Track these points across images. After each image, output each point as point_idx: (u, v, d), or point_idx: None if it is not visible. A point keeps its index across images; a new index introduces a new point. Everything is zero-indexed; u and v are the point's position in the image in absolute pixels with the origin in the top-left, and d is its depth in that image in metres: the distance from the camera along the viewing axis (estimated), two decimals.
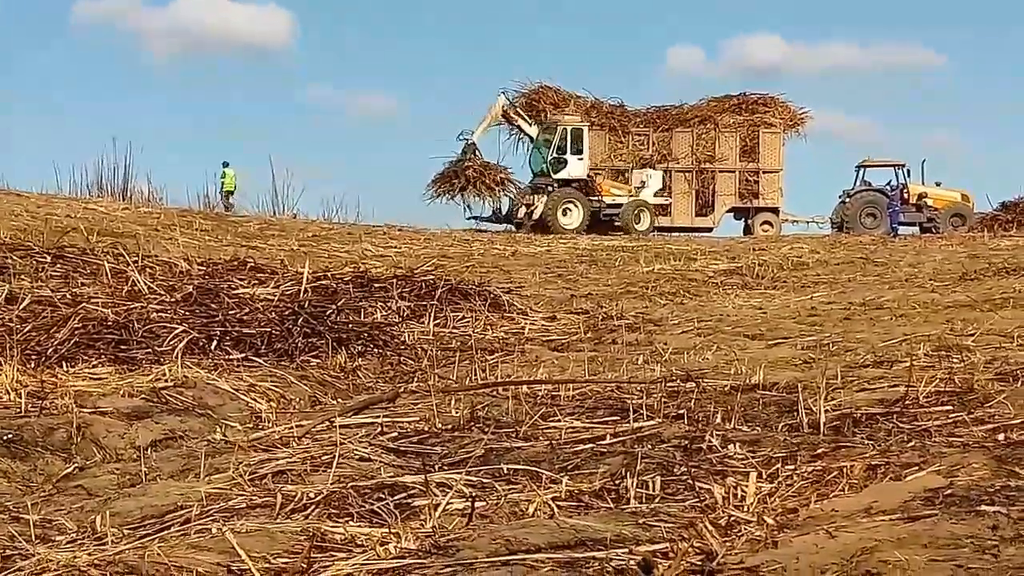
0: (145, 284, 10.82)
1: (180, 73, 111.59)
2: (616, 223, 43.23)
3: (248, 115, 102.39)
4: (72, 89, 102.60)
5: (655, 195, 45.14)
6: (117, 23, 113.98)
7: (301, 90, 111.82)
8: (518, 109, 46.26)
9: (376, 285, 12.92)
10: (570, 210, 43.42)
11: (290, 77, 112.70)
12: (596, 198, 44.14)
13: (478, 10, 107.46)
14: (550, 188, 44.19)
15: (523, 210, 44.18)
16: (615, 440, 5.74)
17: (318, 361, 9.19)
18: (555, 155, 44.31)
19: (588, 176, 44.75)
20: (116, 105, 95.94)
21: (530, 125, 45.58)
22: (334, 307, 10.84)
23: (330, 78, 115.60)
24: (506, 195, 44.98)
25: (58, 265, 12.37)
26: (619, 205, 43.91)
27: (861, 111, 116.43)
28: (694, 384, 7.36)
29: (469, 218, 44.67)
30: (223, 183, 45.33)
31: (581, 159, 44.48)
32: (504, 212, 45.06)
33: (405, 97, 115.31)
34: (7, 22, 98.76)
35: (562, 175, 44.20)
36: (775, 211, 47.50)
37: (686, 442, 5.53)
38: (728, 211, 48.54)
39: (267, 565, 3.91)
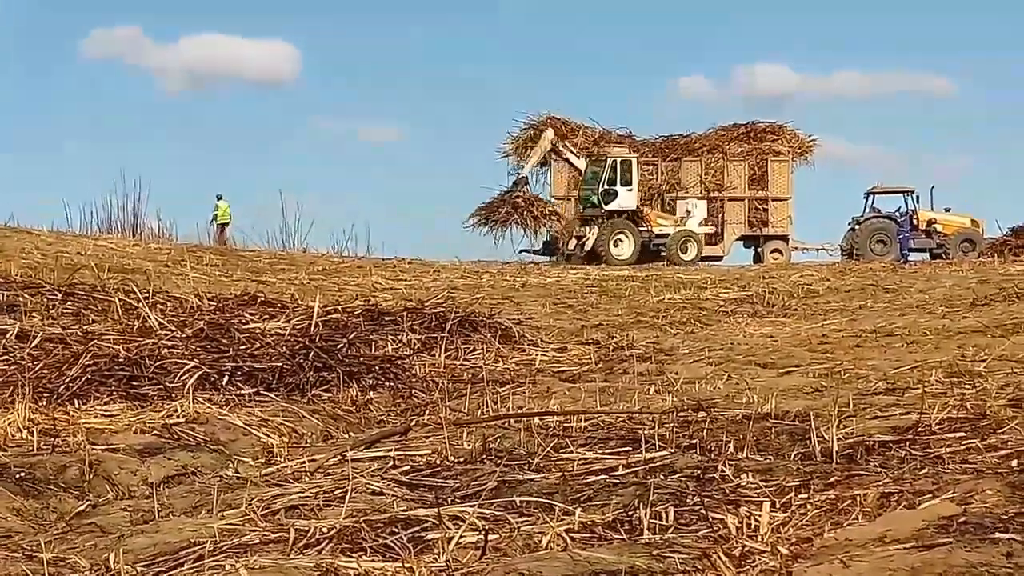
0: (156, 320, 10.83)
1: (188, 108, 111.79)
2: (663, 253, 43.60)
3: (257, 148, 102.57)
4: (81, 125, 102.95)
5: (700, 224, 45.34)
6: (126, 58, 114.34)
7: (308, 122, 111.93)
8: (566, 143, 46.52)
9: (386, 318, 12.93)
10: (621, 241, 44.02)
11: (297, 110, 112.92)
12: (645, 228, 44.53)
13: (482, 39, 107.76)
14: (600, 220, 44.52)
15: (573, 242, 44.73)
16: (627, 471, 5.73)
17: (329, 395, 9.18)
18: (605, 187, 44.61)
19: (638, 207, 45.03)
20: (125, 140, 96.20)
21: (578, 158, 45.96)
22: (345, 340, 10.83)
23: (337, 111, 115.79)
24: (549, 228, 45.39)
25: (69, 302, 12.39)
26: (667, 235, 44.23)
27: (869, 138, 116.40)
28: (706, 414, 7.35)
29: (521, 251, 45.15)
30: (215, 215, 45.64)
31: (630, 190, 44.85)
32: (555, 245, 45.51)
33: (414, 129, 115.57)
34: (16, 58, 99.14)
35: (613, 206, 44.61)
36: (785, 239, 47.54)
37: (699, 472, 5.52)
38: (738, 239, 48.61)
39: None
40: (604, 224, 44.39)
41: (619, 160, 45.12)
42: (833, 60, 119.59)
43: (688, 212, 45.49)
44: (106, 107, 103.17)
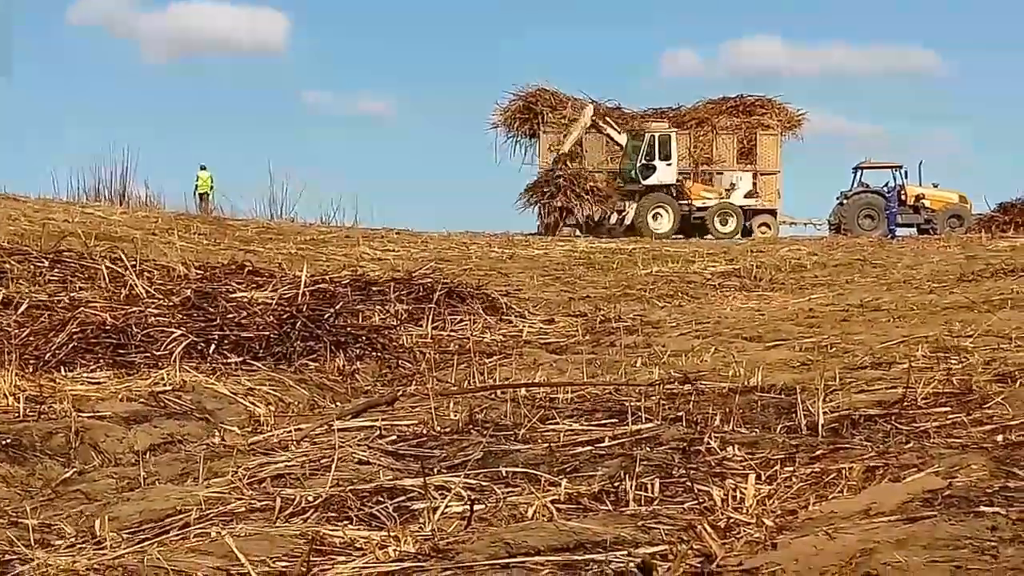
0: (143, 288, 10.83)
1: (176, 76, 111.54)
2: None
3: (245, 118, 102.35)
4: (68, 92, 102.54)
5: (745, 196, 45.48)
6: (112, 26, 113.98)
7: (298, 93, 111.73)
8: (607, 118, 46.60)
9: (374, 288, 12.92)
10: (660, 215, 44.41)
11: (287, 80, 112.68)
12: (686, 202, 44.85)
13: (473, 12, 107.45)
14: (639, 194, 44.80)
15: (615, 216, 45.08)
16: (614, 442, 5.74)
17: (316, 365, 9.18)
18: (644, 161, 44.91)
19: (678, 180, 45.37)
20: (112, 108, 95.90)
21: (619, 133, 46.06)
22: (332, 311, 10.83)
23: (327, 81, 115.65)
24: (596, 202, 45.58)
25: (56, 270, 12.37)
26: (707, 208, 44.56)
27: (858, 113, 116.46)
28: (692, 386, 7.36)
29: (568, 226, 45.16)
30: (197, 185, 45.59)
31: (670, 164, 45.10)
32: (596, 219, 45.52)
33: (403, 99, 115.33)
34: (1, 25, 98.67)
35: (651, 180, 44.93)
36: (773, 213, 47.51)
37: (685, 444, 5.53)
38: None
39: (266, 569, 3.91)
40: (642, 198, 44.68)
41: (657, 135, 45.34)
42: (823, 34, 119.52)
43: (733, 185, 45.79)
44: (93, 75, 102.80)
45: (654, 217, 44.22)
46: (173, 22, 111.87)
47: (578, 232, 44.83)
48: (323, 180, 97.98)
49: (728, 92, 50.64)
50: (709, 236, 42.04)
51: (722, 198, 45.21)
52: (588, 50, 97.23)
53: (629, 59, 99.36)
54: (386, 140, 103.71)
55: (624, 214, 44.94)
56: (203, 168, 46.45)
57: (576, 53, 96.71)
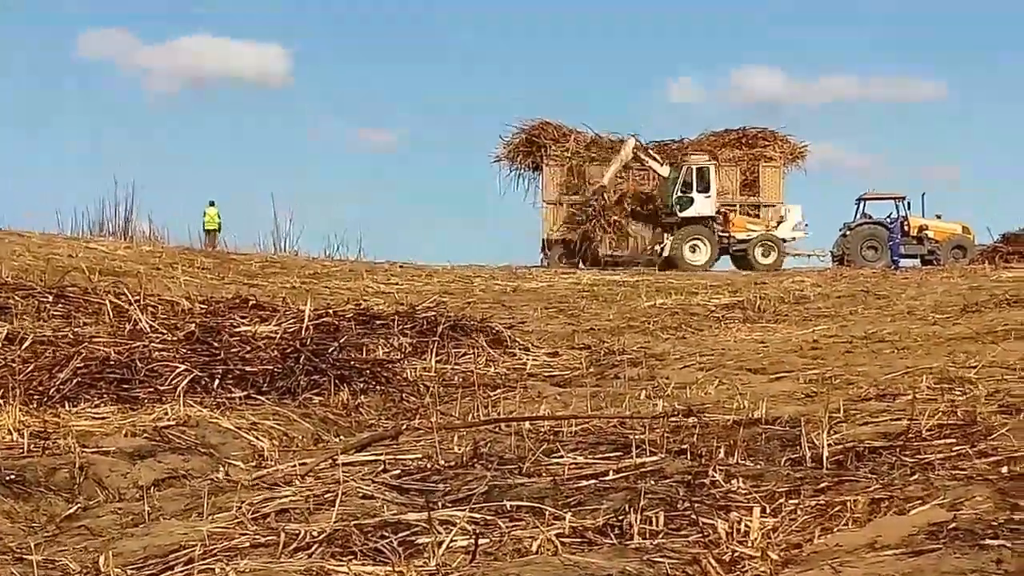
0: (147, 323, 10.83)
1: (181, 111, 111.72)
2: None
3: (249, 152, 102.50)
4: (73, 127, 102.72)
5: (794, 229, 45.50)
6: (118, 61, 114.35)
7: (302, 126, 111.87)
8: (648, 150, 46.77)
9: (378, 322, 12.93)
10: (698, 247, 44.64)
11: (291, 113, 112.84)
12: (726, 234, 44.95)
13: (476, 45, 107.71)
14: (675, 226, 45.16)
15: (658, 248, 45.24)
16: (618, 476, 5.73)
17: (320, 399, 9.18)
18: (680, 193, 45.04)
19: (719, 212, 45.42)
20: (117, 142, 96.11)
21: (662, 165, 46.24)
22: (336, 344, 10.83)
23: (331, 114, 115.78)
24: (624, 234, 45.89)
25: (60, 305, 12.39)
26: (748, 240, 44.65)
27: (861, 144, 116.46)
28: (696, 419, 7.35)
29: (605, 256, 45.57)
30: (204, 221, 45.75)
31: (708, 196, 45.23)
32: (612, 253, 46.21)
33: (406, 132, 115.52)
34: (8, 61, 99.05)
35: (689, 212, 45.09)
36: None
37: (689, 477, 5.52)
38: None
39: None
40: (679, 230, 44.88)
41: (695, 167, 45.53)
42: (825, 65, 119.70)
43: (782, 217, 45.76)
44: (97, 109, 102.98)
45: (692, 249, 44.44)
46: (175, 56, 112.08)
47: (582, 264, 45.00)
48: (327, 212, 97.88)
49: (731, 124, 50.76)
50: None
51: (768, 230, 45.24)
52: (590, 82, 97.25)
53: (630, 91, 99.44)
54: (390, 173, 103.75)
55: (663, 246, 45.22)
56: (212, 204, 46.72)
57: (578, 85, 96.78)
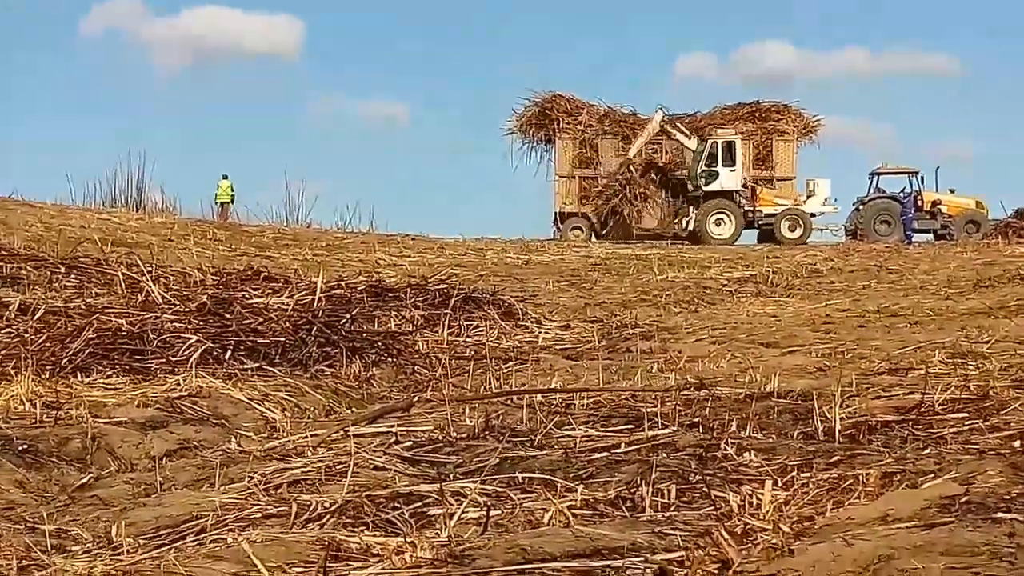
0: (159, 294, 10.84)
1: (191, 83, 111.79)
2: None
3: (260, 124, 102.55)
4: (83, 99, 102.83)
5: (823, 204, 45.45)
6: (127, 33, 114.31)
7: (312, 98, 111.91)
8: (676, 123, 46.72)
9: (390, 294, 12.93)
10: (723, 221, 44.65)
11: (301, 85, 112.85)
12: (752, 208, 45.01)
13: (488, 18, 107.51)
14: (700, 200, 45.27)
15: (683, 222, 45.54)
16: (630, 448, 5.73)
17: (332, 370, 9.18)
18: (704, 167, 45.05)
19: (746, 186, 45.50)
20: (128, 115, 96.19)
21: (689, 138, 46.21)
22: (348, 316, 10.83)
23: (341, 86, 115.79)
24: (645, 209, 45.90)
25: (72, 275, 12.41)
26: (775, 214, 44.63)
27: (874, 118, 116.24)
28: (708, 392, 7.35)
29: (637, 229, 45.60)
30: (217, 194, 45.87)
31: (733, 170, 45.21)
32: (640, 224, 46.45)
33: (418, 104, 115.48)
34: (16, 33, 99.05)
35: (713, 187, 45.11)
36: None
37: (701, 450, 5.52)
38: None
39: (283, 575, 3.91)
40: (703, 204, 44.93)
41: (720, 141, 45.51)
42: (838, 38, 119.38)
43: (812, 191, 45.67)
44: (108, 81, 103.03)
45: (716, 223, 44.44)
46: (186, 28, 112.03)
47: (594, 237, 45.03)
48: (338, 185, 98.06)
49: (744, 98, 50.66)
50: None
51: (796, 204, 45.11)
52: (602, 56, 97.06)
53: (643, 64, 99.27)
54: (401, 145, 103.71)
55: (689, 219, 45.31)
56: (225, 177, 46.86)
57: (590, 59, 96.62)
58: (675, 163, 47.45)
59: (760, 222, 45.07)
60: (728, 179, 45.05)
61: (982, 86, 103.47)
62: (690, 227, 44.84)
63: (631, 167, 46.36)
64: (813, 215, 45.16)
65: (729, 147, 45.26)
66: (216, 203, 45.71)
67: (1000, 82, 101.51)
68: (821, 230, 46.75)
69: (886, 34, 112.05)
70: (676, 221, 45.96)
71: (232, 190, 46.63)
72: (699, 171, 45.23)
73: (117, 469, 6.10)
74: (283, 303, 11.06)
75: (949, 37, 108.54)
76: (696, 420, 6.40)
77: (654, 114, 47.18)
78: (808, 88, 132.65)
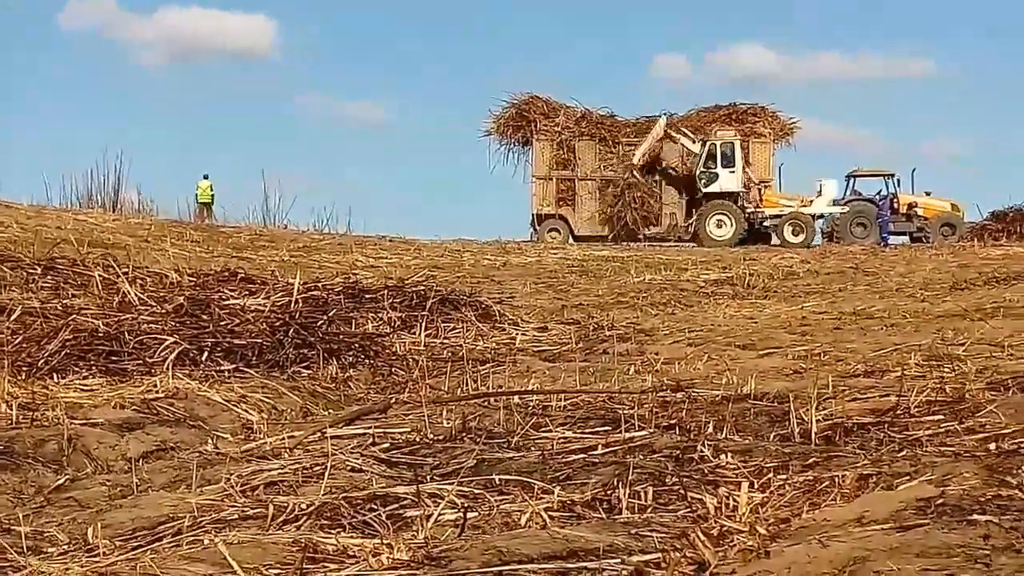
0: (136, 295, 10.82)
1: (167, 82, 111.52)
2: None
3: (237, 124, 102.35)
4: (59, 99, 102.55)
5: (830, 204, 45.42)
6: (103, 32, 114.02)
7: (289, 99, 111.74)
8: (680, 127, 46.77)
9: (367, 296, 12.92)
10: (723, 222, 44.59)
11: (279, 85, 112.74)
12: (753, 210, 45.05)
13: (464, 19, 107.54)
14: (700, 201, 45.46)
15: (688, 224, 45.82)
16: (607, 450, 5.74)
17: (309, 372, 9.18)
18: (703, 168, 45.19)
19: (748, 188, 45.60)
20: (104, 114, 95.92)
21: (694, 142, 46.19)
22: (325, 318, 10.83)
23: (318, 86, 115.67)
24: (643, 212, 45.89)
25: (48, 276, 12.36)
26: (779, 216, 44.59)
27: (850, 121, 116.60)
28: (685, 394, 7.36)
29: (640, 237, 45.82)
30: (197, 194, 45.87)
31: (733, 172, 45.20)
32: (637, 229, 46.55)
33: (394, 105, 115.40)
34: None
35: (712, 188, 45.17)
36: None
37: (678, 452, 5.53)
38: None
39: None
40: (703, 205, 45.08)
41: (719, 143, 45.58)
42: (814, 41, 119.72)
43: (819, 192, 45.68)
44: (85, 80, 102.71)
45: (717, 225, 44.50)
46: (162, 27, 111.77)
47: (571, 239, 45.08)
48: (315, 185, 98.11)
49: (718, 101, 50.74)
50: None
51: (803, 206, 45.12)
52: (578, 57, 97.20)
53: (618, 65, 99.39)
54: (378, 145, 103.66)
55: (690, 221, 45.46)
56: (205, 177, 46.91)
57: (567, 58, 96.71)
58: (683, 166, 47.47)
59: (763, 224, 45.10)
60: (728, 180, 45.09)
61: (958, 90, 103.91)
62: (691, 229, 45.05)
63: (634, 172, 46.42)
64: (821, 216, 45.05)
65: (727, 148, 45.32)
66: (197, 203, 45.72)
67: (976, 86, 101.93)
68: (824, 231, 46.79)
69: (862, 38, 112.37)
70: (683, 224, 46.02)
71: (212, 190, 46.63)
72: (698, 172, 45.28)
73: (93, 471, 6.09)
74: (260, 304, 11.05)
75: (924, 41, 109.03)
76: (673, 422, 6.41)
77: (658, 119, 47.27)
78: (785, 91, 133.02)
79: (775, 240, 43.73)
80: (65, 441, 6.28)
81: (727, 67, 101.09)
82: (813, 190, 45.84)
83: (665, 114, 47.75)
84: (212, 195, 46.57)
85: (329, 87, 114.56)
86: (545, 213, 47.49)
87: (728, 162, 45.11)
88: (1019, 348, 9.00)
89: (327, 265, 23.54)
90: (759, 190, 45.81)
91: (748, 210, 45.03)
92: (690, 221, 45.66)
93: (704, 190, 45.11)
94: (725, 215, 44.58)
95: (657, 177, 47.47)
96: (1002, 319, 11.40)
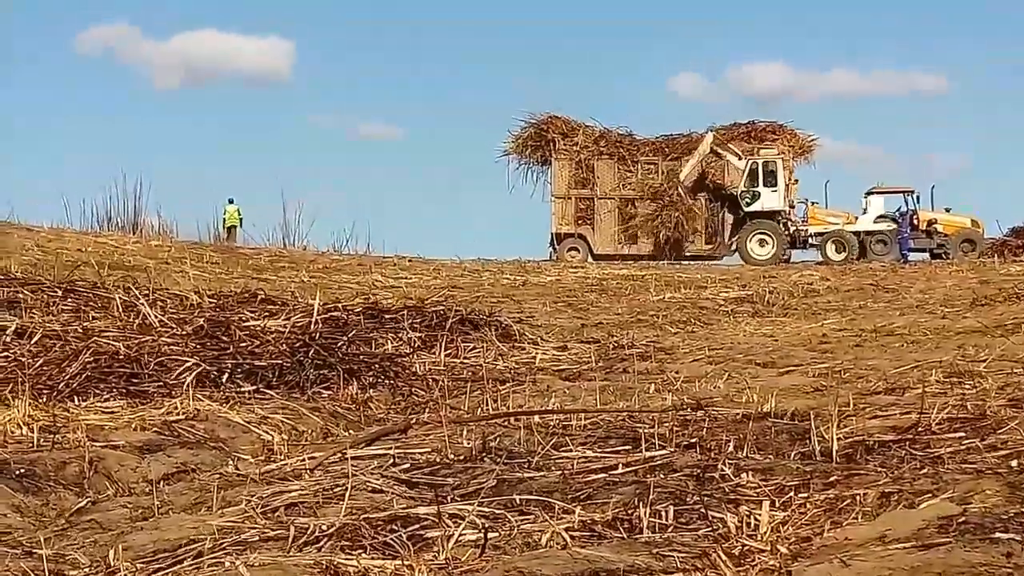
0: (156, 317, 10.84)
1: (183, 105, 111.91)
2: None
3: (254, 145, 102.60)
4: (77, 122, 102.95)
5: (875, 221, 45.35)
6: (119, 55, 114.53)
7: (306, 119, 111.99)
8: (727, 144, 46.79)
9: (387, 316, 12.93)
10: (765, 241, 44.63)
11: (295, 106, 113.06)
12: (796, 228, 45.14)
13: (481, 38, 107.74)
14: (743, 220, 45.58)
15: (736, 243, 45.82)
16: (627, 469, 5.73)
17: (330, 393, 9.18)
18: (745, 187, 45.27)
19: (793, 205, 45.79)
20: (122, 137, 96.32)
21: (739, 159, 46.18)
22: (345, 338, 10.84)
23: (335, 107, 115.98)
24: (682, 231, 46.17)
25: (69, 299, 12.39)
26: (823, 233, 44.72)
27: (870, 138, 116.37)
28: (705, 413, 7.35)
29: (687, 255, 46.09)
30: (224, 219, 46.04)
31: (775, 191, 45.22)
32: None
33: (411, 125, 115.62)
34: (10, 54, 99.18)
35: (755, 207, 45.24)
36: None
37: (698, 471, 5.52)
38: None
39: None
40: (746, 225, 45.18)
41: (761, 161, 45.66)
42: (831, 58, 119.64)
43: (864, 209, 45.63)
44: (103, 103, 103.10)
45: (760, 244, 44.52)
46: (178, 51, 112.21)
47: (590, 259, 45.04)
48: (334, 206, 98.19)
49: (737, 119, 50.72)
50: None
51: (848, 223, 45.03)
52: (593, 78, 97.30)
53: (636, 84, 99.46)
54: (396, 166, 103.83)
55: (732, 240, 45.58)
56: (231, 202, 47.02)
57: (584, 77, 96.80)
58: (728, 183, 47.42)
59: (808, 242, 45.12)
60: (769, 199, 45.16)
61: (976, 105, 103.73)
62: (734, 247, 45.12)
63: (680, 189, 46.42)
64: (869, 233, 44.89)
65: (769, 166, 45.39)
66: (224, 228, 45.87)
67: (994, 101, 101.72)
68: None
69: (880, 55, 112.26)
70: (730, 242, 46.06)
71: (240, 214, 46.80)
72: (740, 191, 45.29)
73: (114, 493, 6.10)
74: (280, 326, 11.06)
75: (941, 57, 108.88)
76: (693, 441, 6.40)
77: (705, 135, 47.28)
78: (801, 109, 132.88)
79: (819, 257, 43.71)
80: (86, 464, 6.29)
81: (744, 85, 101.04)
82: (859, 207, 45.82)
83: (712, 130, 47.72)
84: (240, 219, 46.77)
85: (344, 107, 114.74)
86: (564, 232, 47.53)
87: (770, 180, 45.08)
88: None
89: (347, 285, 23.57)
90: (806, 207, 45.76)
91: (791, 228, 44.99)
92: (733, 239, 45.63)
93: (747, 209, 45.09)
94: (766, 234, 44.55)
95: (703, 193, 47.46)
96: (1023, 335, 11.36)
